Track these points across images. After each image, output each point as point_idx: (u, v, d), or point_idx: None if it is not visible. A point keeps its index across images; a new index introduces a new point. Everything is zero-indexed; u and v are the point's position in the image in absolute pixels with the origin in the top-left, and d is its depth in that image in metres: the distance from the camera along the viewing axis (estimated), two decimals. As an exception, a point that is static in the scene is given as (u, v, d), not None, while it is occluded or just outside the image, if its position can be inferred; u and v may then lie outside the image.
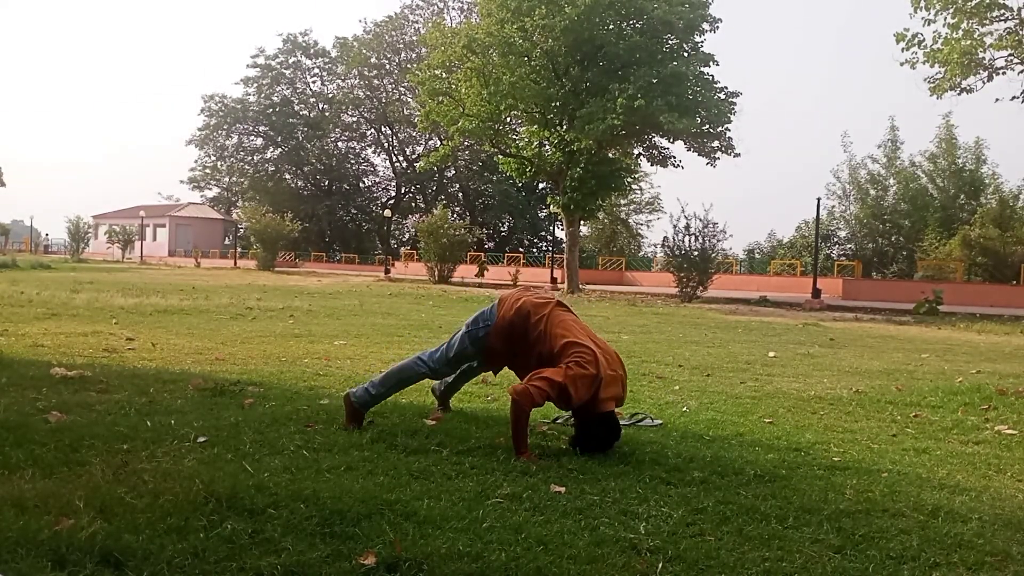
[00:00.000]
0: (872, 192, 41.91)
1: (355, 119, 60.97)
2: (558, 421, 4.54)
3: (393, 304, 15.94)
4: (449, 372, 4.35)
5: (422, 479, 3.29)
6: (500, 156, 27.66)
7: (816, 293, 22.90)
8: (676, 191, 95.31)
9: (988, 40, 19.29)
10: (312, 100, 61.07)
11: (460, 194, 58.75)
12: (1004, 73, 19.71)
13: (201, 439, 3.74)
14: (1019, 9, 18.87)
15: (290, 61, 59.94)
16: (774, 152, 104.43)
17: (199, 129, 60.59)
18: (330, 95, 60.47)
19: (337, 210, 60.22)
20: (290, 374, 6.04)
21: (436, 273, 30.68)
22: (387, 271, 36.11)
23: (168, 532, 2.54)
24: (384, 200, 61.95)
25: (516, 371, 4.20)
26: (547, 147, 26.16)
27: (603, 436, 3.84)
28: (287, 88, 60.43)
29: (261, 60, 59.39)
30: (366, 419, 4.24)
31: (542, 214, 53.27)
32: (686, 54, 24.09)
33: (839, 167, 44.01)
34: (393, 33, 56.03)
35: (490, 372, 4.68)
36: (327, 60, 60.28)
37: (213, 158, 62.43)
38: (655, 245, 46.01)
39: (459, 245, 31.31)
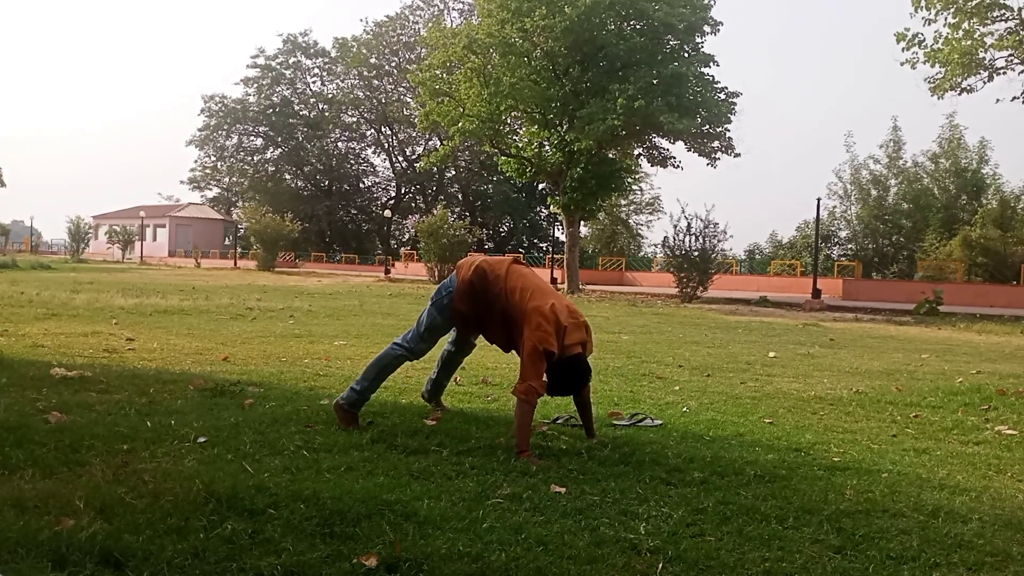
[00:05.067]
0: (874, 192, 41.92)
1: (355, 119, 60.95)
2: (558, 421, 4.54)
3: (393, 304, 15.94)
4: (425, 348, 4.37)
5: (422, 479, 3.29)
6: (500, 156, 27.66)
7: (816, 293, 22.90)
8: (677, 192, 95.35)
9: (989, 40, 19.32)
10: (312, 100, 61.04)
11: (460, 194, 58.73)
12: (1005, 73, 19.74)
13: (201, 439, 3.74)
14: (1019, 9, 18.90)
15: (290, 61, 59.91)
16: (775, 153, 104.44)
17: (199, 129, 60.58)
18: (330, 95, 60.44)
19: (337, 210, 60.20)
20: (290, 374, 6.03)
21: (436, 273, 30.67)
22: (387, 271, 36.11)
23: (168, 532, 2.54)
24: (384, 200, 61.95)
25: (485, 334, 4.35)
26: (547, 147, 26.17)
27: (573, 378, 3.94)
28: (287, 88, 60.40)
29: (261, 60, 59.39)
30: (366, 420, 4.24)
31: (542, 215, 53.27)
32: (686, 55, 24.10)
33: (841, 167, 44.04)
34: (393, 33, 56.02)
35: (489, 372, 4.68)
36: (327, 60, 60.25)
37: (213, 158, 62.43)
38: (655, 245, 46.02)
39: (459, 245, 31.31)
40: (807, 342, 10.68)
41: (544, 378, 3.82)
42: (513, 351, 4.19)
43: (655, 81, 22.78)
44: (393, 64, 56.64)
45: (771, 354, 8.86)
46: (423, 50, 38.85)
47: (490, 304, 4.11)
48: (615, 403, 5.25)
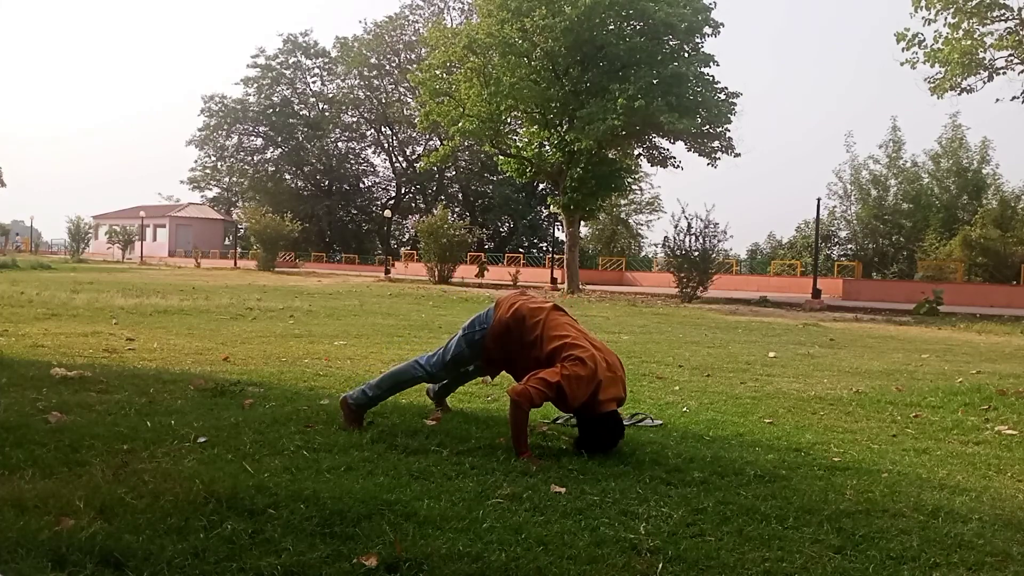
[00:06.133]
0: (873, 192, 41.92)
1: (355, 119, 60.99)
2: (558, 421, 4.54)
3: (393, 304, 15.94)
4: (446, 376, 4.35)
5: (422, 479, 3.29)
6: (500, 156, 27.66)
7: (816, 293, 22.90)
8: (677, 192, 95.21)
9: (988, 40, 19.30)
10: (312, 100, 61.07)
11: (460, 195, 58.76)
12: (1004, 73, 19.72)
13: (201, 439, 3.74)
14: (1019, 9, 18.88)
15: (290, 61, 59.93)
16: (775, 153, 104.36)
17: (199, 129, 60.60)
18: (330, 95, 60.47)
19: (337, 210, 60.22)
20: (290, 374, 6.03)
21: (436, 273, 30.68)
22: (387, 271, 36.10)
23: (168, 532, 2.55)
24: (384, 200, 61.98)
25: (513, 375, 4.18)
26: (547, 147, 26.17)
27: (605, 437, 3.83)
28: (287, 88, 60.42)
29: (261, 60, 59.42)
30: (366, 419, 4.24)
31: (542, 215, 53.29)
32: (687, 55, 24.10)
33: (841, 167, 44.03)
34: (393, 33, 56.05)
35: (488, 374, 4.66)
36: (327, 60, 60.28)
37: (213, 158, 62.43)
38: (655, 245, 46.16)
39: (459, 245, 31.32)
40: (807, 342, 10.68)
41: (542, 389, 3.68)
42: None
43: (655, 81, 22.77)
44: (393, 64, 56.66)
45: (771, 354, 8.86)
46: (423, 50, 38.84)
47: (524, 350, 3.95)
48: (615, 403, 5.24)
